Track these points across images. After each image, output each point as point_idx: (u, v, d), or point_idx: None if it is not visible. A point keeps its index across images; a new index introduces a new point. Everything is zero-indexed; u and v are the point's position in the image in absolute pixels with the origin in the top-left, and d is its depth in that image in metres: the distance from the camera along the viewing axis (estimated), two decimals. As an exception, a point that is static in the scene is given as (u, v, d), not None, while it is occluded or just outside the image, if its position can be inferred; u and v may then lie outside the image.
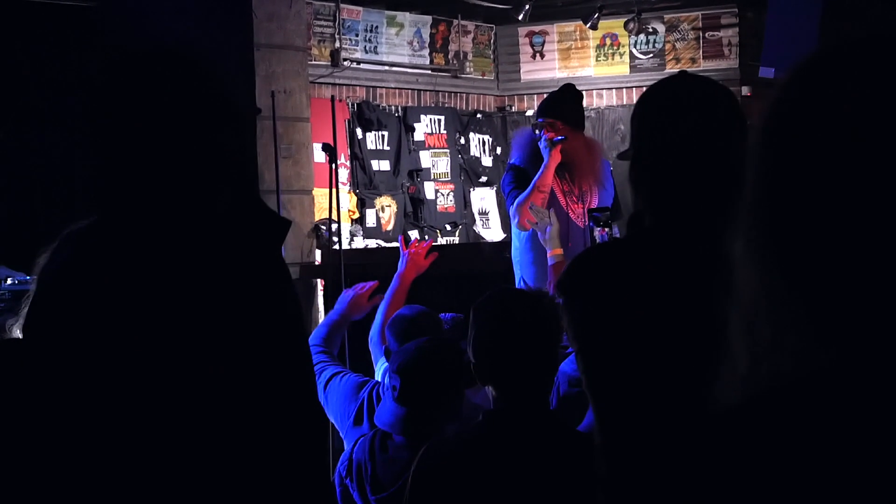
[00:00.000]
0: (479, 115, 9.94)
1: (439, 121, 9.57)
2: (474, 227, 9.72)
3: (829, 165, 0.94)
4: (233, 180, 1.90)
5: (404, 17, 9.34)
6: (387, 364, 3.53)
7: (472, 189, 9.80)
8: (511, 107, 10.17)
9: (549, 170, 5.21)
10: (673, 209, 2.04)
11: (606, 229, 4.30)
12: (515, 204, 5.22)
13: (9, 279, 5.52)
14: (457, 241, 9.40)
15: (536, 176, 5.23)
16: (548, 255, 4.78)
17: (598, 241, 4.29)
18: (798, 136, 0.98)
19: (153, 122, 1.86)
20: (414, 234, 8.85)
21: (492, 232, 9.75)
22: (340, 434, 3.71)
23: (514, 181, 5.36)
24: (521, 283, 5.11)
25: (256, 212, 1.95)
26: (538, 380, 2.67)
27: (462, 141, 9.75)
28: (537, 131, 5.40)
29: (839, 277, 0.93)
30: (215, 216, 1.87)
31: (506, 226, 9.50)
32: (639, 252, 2.04)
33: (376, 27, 9.13)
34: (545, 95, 10.15)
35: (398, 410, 3.21)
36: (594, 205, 5.24)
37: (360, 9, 8.98)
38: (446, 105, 9.73)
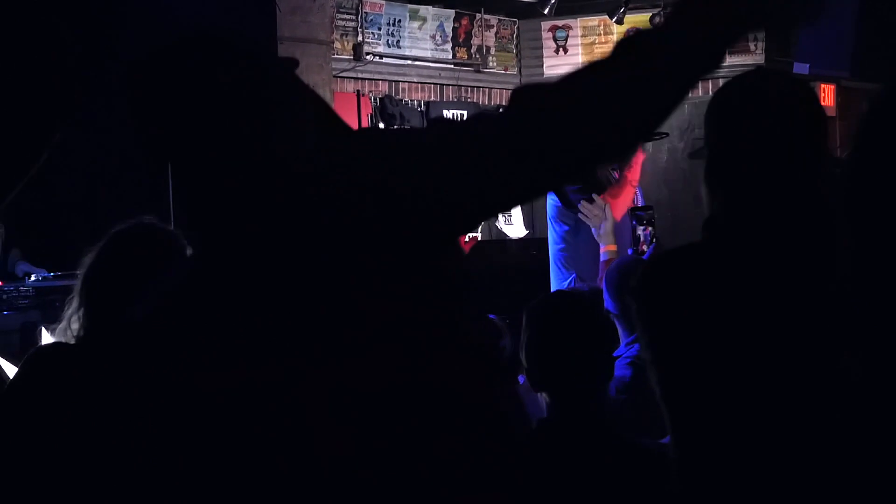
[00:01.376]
0: (501, 110, 9.79)
1: (462, 116, 9.47)
2: (496, 224, 9.62)
3: None
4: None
5: (427, 10, 9.27)
6: None
7: (494, 185, 9.66)
8: (534, 102, 10.02)
9: (637, 164, 5.06)
10: (753, 213, 1.94)
11: (650, 227, 4.21)
12: (605, 197, 4.89)
13: (32, 275, 5.44)
14: (479, 238, 9.30)
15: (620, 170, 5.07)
16: (601, 251, 4.68)
17: (640, 239, 4.20)
18: None
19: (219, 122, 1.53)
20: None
21: (514, 229, 9.66)
22: None
23: None
24: (574, 281, 4.96)
25: None
26: (593, 388, 2.56)
27: (484, 136, 9.61)
28: None
29: None
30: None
31: (528, 222, 9.40)
32: (719, 257, 1.94)
33: (399, 21, 9.06)
34: None
35: None
36: (638, 203, 5.13)
37: (383, 2, 8.91)
38: (469, 100, 9.66)
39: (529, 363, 2.59)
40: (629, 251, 4.43)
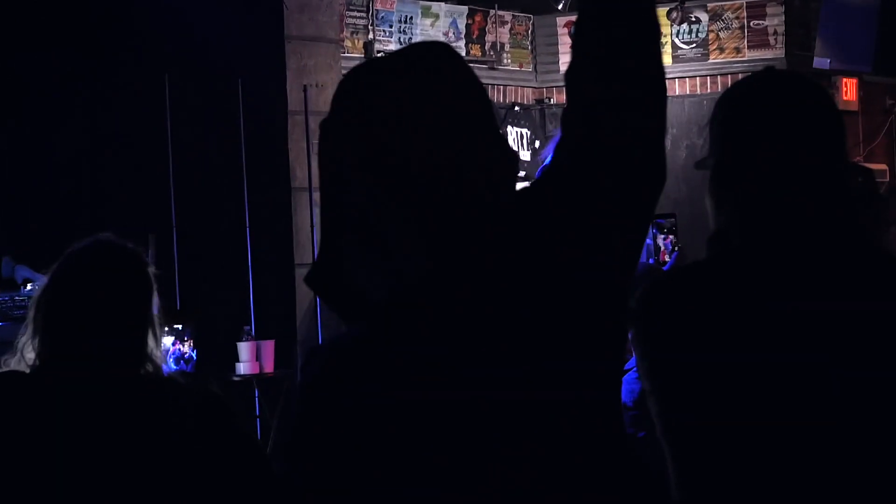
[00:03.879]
0: (516, 108, 9.73)
1: (475, 114, 9.35)
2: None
3: None
4: None
5: (439, 7, 9.16)
6: None
7: (509, 184, 9.55)
8: (550, 99, 9.94)
9: None
10: (767, 228, 1.77)
11: (672, 236, 4.01)
12: None
13: (29, 284, 5.30)
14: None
15: None
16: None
17: (661, 248, 4.00)
18: None
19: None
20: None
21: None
22: None
23: None
24: None
25: None
26: None
27: (499, 135, 9.52)
28: None
29: None
30: None
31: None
32: (728, 278, 1.77)
33: (411, 18, 8.96)
34: None
35: None
36: None
37: (394, -1, 8.84)
38: (483, 98, 9.52)
39: None
40: (650, 261, 4.19)
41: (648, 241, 4.07)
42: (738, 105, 1.87)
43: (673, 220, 4.06)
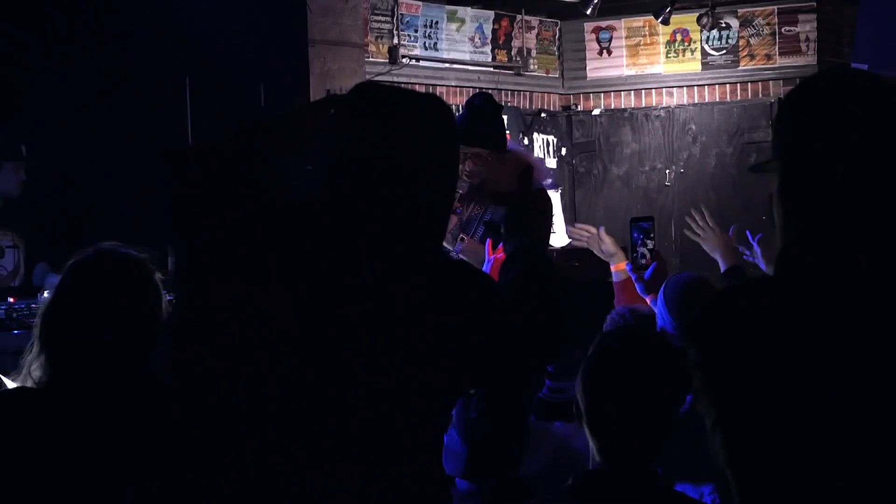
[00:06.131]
0: (543, 115, 9.65)
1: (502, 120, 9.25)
2: (538, 232, 9.37)
3: None
4: None
5: (465, 11, 9.08)
6: None
7: (535, 192, 9.44)
8: (577, 106, 9.85)
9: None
10: (850, 242, 1.59)
11: (650, 241, 3.85)
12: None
13: (46, 292, 5.22)
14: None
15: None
16: (612, 271, 4.25)
17: (640, 254, 3.82)
18: None
19: None
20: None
21: (556, 237, 9.38)
22: None
23: None
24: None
25: None
26: (649, 442, 2.24)
27: (525, 141, 9.45)
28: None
29: None
30: None
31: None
32: (807, 297, 1.59)
33: (436, 22, 8.89)
34: (612, 94, 10.02)
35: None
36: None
37: (420, 3, 8.74)
38: (509, 104, 9.45)
39: (582, 398, 2.29)
40: (628, 267, 4.01)
41: (638, 254, 3.90)
42: (810, 105, 1.69)
43: (653, 222, 3.90)
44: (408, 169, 2.02)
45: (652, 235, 3.90)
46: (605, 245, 4.25)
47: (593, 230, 4.36)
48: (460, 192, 4.38)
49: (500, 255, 3.95)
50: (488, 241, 4.31)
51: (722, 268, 3.85)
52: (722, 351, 1.59)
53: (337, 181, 2.02)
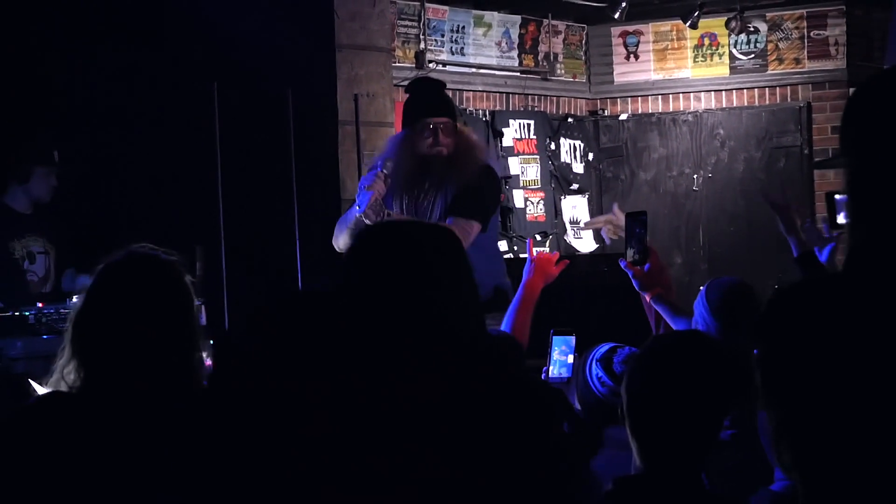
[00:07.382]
0: (570, 120, 9.62)
1: (528, 125, 9.25)
2: (565, 238, 9.36)
3: None
4: None
5: (492, 16, 9.06)
6: None
7: (563, 197, 9.44)
8: (604, 110, 9.82)
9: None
10: None
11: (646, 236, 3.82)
12: None
13: (75, 297, 5.24)
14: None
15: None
16: (648, 300, 4.13)
17: (636, 250, 3.78)
18: None
19: None
20: (502, 245, 8.49)
21: (584, 242, 9.38)
22: None
23: None
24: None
25: None
26: (694, 449, 2.20)
27: (552, 146, 9.42)
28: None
29: None
30: None
31: (598, 236, 9.13)
32: (876, 298, 1.55)
33: (463, 27, 8.88)
34: (639, 99, 9.98)
35: None
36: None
37: (447, 8, 8.74)
38: (536, 109, 9.43)
39: (626, 402, 2.25)
40: (622, 263, 3.96)
41: (633, 249, 3.85)
42: (886, 104, 1.63)
43: (646, 217, 3.87)
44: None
45: (647, 228, 3.88)
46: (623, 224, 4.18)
47: (608, 216, 4.35)
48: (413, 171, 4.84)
49: (542, 255, 3.94)
50: (528, 241, 4.32)
51: (795, 253, 3.80)
52: (789, 349, 1.55)
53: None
